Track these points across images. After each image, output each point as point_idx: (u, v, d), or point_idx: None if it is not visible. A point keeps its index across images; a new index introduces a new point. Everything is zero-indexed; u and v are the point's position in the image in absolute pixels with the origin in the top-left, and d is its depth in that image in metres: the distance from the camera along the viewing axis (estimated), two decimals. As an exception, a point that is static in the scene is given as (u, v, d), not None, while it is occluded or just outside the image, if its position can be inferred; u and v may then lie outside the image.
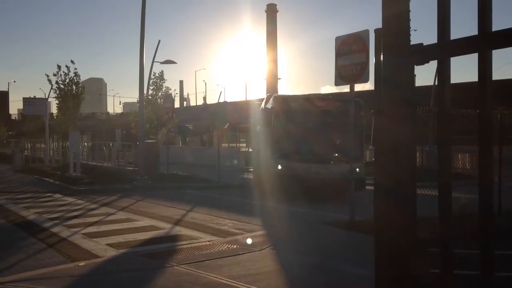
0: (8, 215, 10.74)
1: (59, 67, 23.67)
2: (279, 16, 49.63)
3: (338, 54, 9.11)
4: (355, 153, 12.04)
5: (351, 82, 9.11)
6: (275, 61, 46.83)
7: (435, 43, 1.68)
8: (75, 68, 23.98)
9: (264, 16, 48.68)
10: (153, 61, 24.60)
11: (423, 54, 1.73)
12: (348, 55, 8.93)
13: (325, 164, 13.61)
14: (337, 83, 9.26)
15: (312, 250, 7.45)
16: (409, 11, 1.83)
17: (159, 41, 24.33)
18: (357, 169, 12.34)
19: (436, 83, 3.05)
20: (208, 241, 8.20)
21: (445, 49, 1.67)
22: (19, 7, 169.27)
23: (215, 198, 14.38)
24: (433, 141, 18.98)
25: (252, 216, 10.77)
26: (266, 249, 7.53)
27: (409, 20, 1.80)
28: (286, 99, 14.88)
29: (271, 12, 46.65)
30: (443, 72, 1.68)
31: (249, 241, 8.11)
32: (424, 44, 1.74)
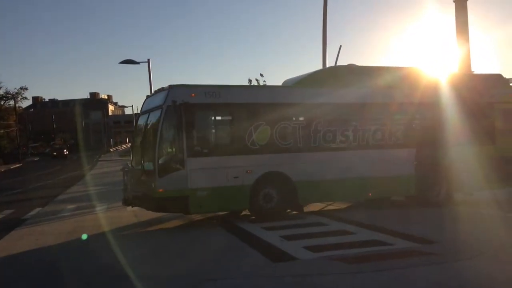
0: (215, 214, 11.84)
1: (250, 80, 25.47)
2: (470, 4, 45.61)
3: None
4: (158, 160, 9.91)
5: None
6: (467, 55, 42.78)
7: None
8: (264, 81, 25.49)
9: (451, 6, 45.05)
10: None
11: None
12: None
13: (135, 174, 10.99)
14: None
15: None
16: None
17: (340, 46, 24.26)
18: (153, 184, 9.92)
19: None
20: (405, 248, 7.79)
21: None
22: (215, 34, 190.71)
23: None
24: None
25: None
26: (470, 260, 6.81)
27: None
28: None
29: (461, 0, 42.78)
30: None
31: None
32: None
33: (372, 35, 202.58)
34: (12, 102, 64.99)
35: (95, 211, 13.90)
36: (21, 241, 9.90)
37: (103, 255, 8.16)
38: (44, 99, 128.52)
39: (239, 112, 10.97)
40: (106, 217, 12.36)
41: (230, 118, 11.11)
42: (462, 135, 12.26)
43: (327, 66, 19.21)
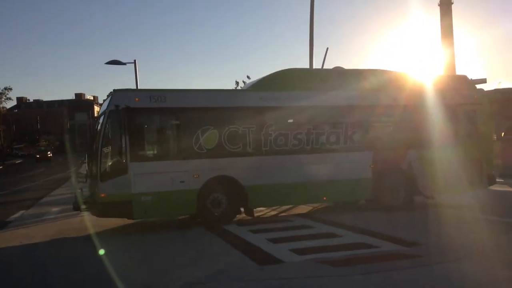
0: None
1: (237, 83, 25.61)
2: (455, 8, 46.03)
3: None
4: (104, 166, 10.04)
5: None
6: (452, 57, 43.36)
7: None
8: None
9: (437, 9, 45.60)
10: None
11: None
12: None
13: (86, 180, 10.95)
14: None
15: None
16: None
17: (327, 48, 24.45)
18: (96, 189, 10.07)
19: None
20: (391, 250, 7.83)
21: None
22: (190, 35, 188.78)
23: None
24: None
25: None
26: (455, 262, 6.87)
27: None
28: None
29: (446, 4, 43.33)
30: None
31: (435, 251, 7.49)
32: None
33: (359, 38, 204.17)
34: (-4, 103, 64.19)
35: (80, 214, 13.71)
36: (5, 244, 9.76)
37: (90, 260, 8.09)
38: (29, 99, 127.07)
39: (185, 116, 10.84)
40: (92, 219, 12.18)
41: (176, 122, 10.92)
42: (422, 137, 12.15)
43: (314, 67, 19.33)
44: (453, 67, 44.37)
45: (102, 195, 10.01)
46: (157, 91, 10.73)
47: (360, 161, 11.83)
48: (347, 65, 25.04)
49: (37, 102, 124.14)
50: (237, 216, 11.34)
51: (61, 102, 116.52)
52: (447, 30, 45.93)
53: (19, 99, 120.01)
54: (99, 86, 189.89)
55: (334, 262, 7.08)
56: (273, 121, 11.32)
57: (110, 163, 10.33)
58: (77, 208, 10.92)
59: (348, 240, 8.78)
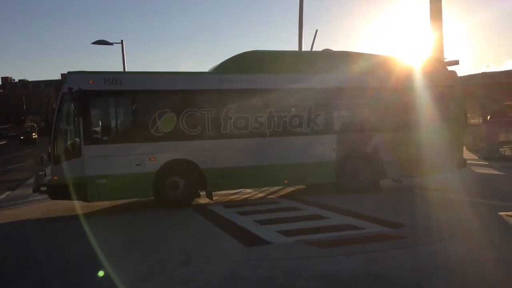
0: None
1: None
2: (444, -9, 45.77)
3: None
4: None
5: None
6: (440, 41, 43.41)
7: None
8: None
9: (426, -7, 45.63)
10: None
11: None
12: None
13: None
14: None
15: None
16: None
17: (317, 30, 24.49)
18: (51, 171, 10.26)
19: None
20: (373, 232, 7.92)
21: None
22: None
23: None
24: None
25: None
26: (440, 243, 6.98)
27: None
28: None
29: (435, -13, 43.28)
30: None
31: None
32: None
33: (349, 20, 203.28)
34: (-21, 83, 62.84)
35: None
36: (-10, 225, 9.69)
37: (77, 241, 8.06)
38: (14, 79, 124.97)
39: (141, 99, 10.72)
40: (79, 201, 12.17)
41: (131, 105, 10.76)
42: (390, 120, 12.05)
43: (303, 50, 19.26)
44: (441, 50, 44.38)
45: (55, 177, 10.14)
46: (113, 73, 10.66)
47: (324, 144, 11.74)
48: (337, 48, 24.97)
49: (23, 82, 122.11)
50: (229, 200, 11.36)
51: (47, 83, 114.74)
52: (436, 12, 45.85)
53: (4, 79, 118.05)
54: (86, 67, 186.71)
55: (321, 243, 7.14)
56: (232, 103, 11.19)
57: (64, 146, 10.40)
58: (36, 190, 10.87)
59: (335, 222, 8.85)
